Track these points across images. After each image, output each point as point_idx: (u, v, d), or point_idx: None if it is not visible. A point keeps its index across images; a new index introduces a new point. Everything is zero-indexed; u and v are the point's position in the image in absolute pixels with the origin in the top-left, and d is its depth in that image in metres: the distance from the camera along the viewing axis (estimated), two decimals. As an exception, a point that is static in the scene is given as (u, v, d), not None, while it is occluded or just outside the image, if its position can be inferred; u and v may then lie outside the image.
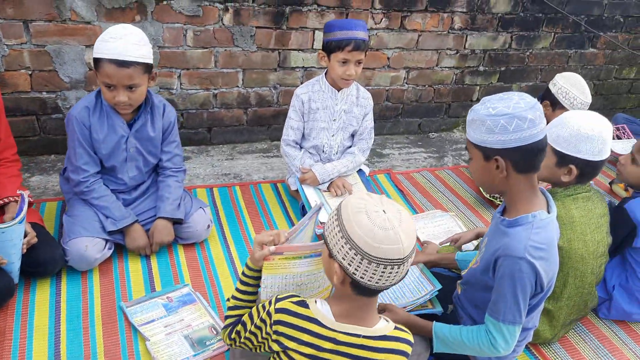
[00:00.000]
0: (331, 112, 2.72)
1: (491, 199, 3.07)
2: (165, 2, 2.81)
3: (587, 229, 2.02)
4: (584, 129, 1.95)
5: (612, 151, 3.78)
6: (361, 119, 2.79)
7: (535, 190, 1.70)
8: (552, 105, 2.95)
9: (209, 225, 2.46)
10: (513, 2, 3.60)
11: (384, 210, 1.33)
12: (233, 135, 3.38)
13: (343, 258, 1.32)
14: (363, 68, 3.44)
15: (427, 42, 3.53)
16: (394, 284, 1.35)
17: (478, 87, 3.90)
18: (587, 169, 2.00)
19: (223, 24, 2.98)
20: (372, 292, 1.37)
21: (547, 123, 1.62)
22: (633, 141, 3.88)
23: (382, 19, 3.33)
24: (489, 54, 3.77)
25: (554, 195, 2.08)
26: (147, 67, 2.15)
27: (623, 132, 3.91)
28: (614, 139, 3.87)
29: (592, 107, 4.52)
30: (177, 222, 2.38)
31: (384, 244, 1.28)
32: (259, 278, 1.58)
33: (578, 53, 4.07)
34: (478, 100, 3.95)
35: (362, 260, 1.29)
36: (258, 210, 2.78)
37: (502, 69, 3.89)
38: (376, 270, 1.30)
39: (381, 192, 3.10)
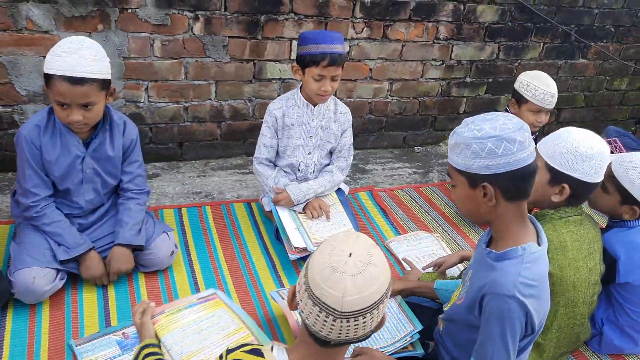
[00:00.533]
0: (307, 129, 2.55)
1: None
2: (130, 10, 2.63)
3: (579, 255, 1.87)
4: (583, 146, 1.80)
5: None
6: (339, 135, 2.62)
7: (525, 219, 1.54)
8: (517, 102, 2.87)
9: (172, 252, 2.28)
10: (500, 12, 3.46)
11: (350, 253, 1.16)
12: (206, 151, 3.20)
13: (300, 299, 1.20)
14: (344, 80, 3.29)
15: (411, 52, 3.38)
16: (355, 340, 1.18)
17: (465, 99, 3.75)
18: (580, 190, 1.86)
19: (193, 34, 2.81)
20: (328, 344, 1.20)
21: (519, 120, 1.47)
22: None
23: (363, 28, 3.17)
24: (476, 64, 3.62)
25: (544, 218, 1.93)
26: (104, 84, 1.98)
27: (615, 146, 3.76)
28: (605, 153, 3.72)
29: (583, 120, 4.44)
30: (137, 249, 2.19)
31: (326, 284, 1.14)
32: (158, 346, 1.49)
33: (568, 64, 3.93)
34: (465, 112, 3.80)
35: (308, 299, 1.17)
36: (229, 232, 2.60)
37: (490, 80, 3.74)
38: (319, 317, 1.15)
39: (362, 211, 2.93)
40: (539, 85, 2.77)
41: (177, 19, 2.73)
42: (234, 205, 2.81)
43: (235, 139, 3.23)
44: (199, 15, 2.77)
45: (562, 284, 1.83)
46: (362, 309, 1.15)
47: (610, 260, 2.05)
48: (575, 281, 1.85)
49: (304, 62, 2.35)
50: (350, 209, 2.70)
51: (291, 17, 2.96)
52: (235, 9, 2.82)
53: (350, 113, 2.64)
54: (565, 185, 1.83)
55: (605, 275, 2.06)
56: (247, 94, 3.10)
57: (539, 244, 1.54)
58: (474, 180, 1.47)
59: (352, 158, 2.70)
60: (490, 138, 1.40)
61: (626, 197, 2.05)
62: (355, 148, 3.57)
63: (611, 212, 2.14)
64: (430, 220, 2.92)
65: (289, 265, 2.41)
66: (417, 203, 3.08)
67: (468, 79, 3.66)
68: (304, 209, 2.54)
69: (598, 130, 4.22)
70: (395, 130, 3.66)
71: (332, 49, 2.31)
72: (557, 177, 1.84)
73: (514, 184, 1.45)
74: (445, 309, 1.80)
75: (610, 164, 2.06)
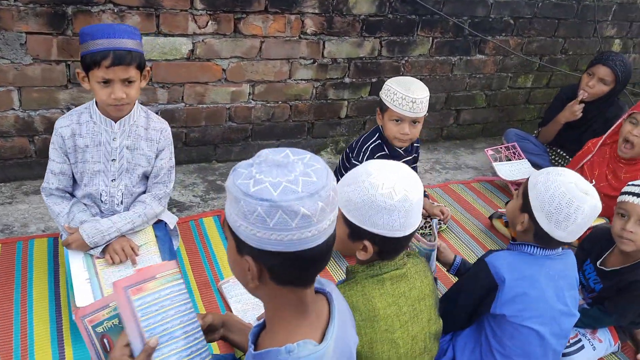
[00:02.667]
0: (107, 150, 2.04)
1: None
2: None
3: (395, 324, 1.46)
4: (382, 195, 1.36)
5: (497, 175, 3.30)
6: (154, 157, 2.12)
7: (305, 306, 1.11)
8: (381, 111, 2.44)
9: None
10: (378, 2, 3.01)
11: None
12: (17, 171, 2.64)
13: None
14: (191, 82, 2.78)
15: (272, 49, 2.89)
16: None
17: (346, 102, 3.29)
18: (387, 247, 1.44)
19: (-27, 30, 2.24)
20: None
21: (328, 177, 1.01)
22: (524, 162, 3.38)
23: (207, 22, 2.66)
24: (355, 63, 3.17)
25: (353, 276, 1.50)
26: None
27: (513, 153, 3.40)
28: (502, 160, 3.35)
29: (485, 122, 4.06)
30: None
31: None
32: None
33: (463, 60, 3.52)
34: (348, 117, 3.35)
35: None
36: (15, 277, 2.07)
37: (374, 80, 3.29)
38: None
39: (202, 243, 2.44)
40: (398, 89, 2.32)
41: (-55, 11, 2.16)
42: (33, 243, 2.27)
43: (56, 155, 2.67)
44: (-22, 7, 2.21)
45: (373, 363, 1.42)
46: None
47: (489, 285, 1.68)
48: (391, 356, 1.44)
49: (86, 64, 1.84)
50: (172, 246, 2.21)
51: (109, 9, 2.42)
52: (30, -2, 2.27)
53: (169, 128, 2.14)
54: (367, 244, 1.40)
55: (479, 305, 1.72)
56: (64, 101, 2.55)
57: (323, 338, 1.11)
58: (240, 245, 1.05)
59: (172, 183, 2.20)
60: (262, 201, 0.97)
61: (526, 204, 1.71)
62: (216, 161, 3.10)
63: (512, 220, 1.80)
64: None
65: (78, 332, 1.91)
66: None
67: (347, 80, 3.20)
68: (103, 252, 2.04)
69: (501, 132, 3.91)
70: (264, 139, 3.17)
71: (117, 44, 1.82)
72: (356, 232, 1.41)
73: (285, 269, 1.04)
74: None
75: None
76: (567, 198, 1.60)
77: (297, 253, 1.01)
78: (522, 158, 3.41)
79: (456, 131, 3.85)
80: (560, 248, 1.74)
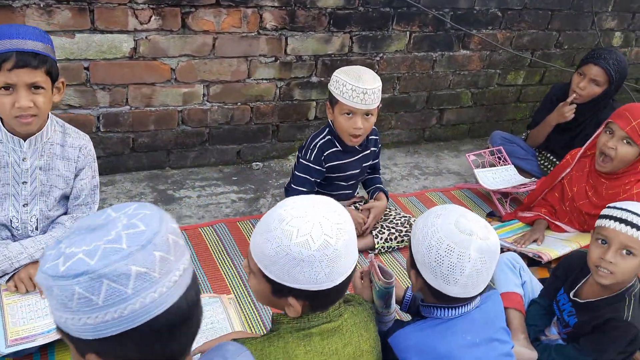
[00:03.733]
0: (16, 172, 1.80)
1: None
2: None
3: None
4: (297, 245, 1.13)
5: (479, 183, 3.03)
6: (72, 177, 1.88)
7: None
8: (331, 104, 2.21)
9: None
10: (346, -7, 2.73)
11: None
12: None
13: None
14: (136, 84, 2.53)
15: (227, 47, 2.63)
16: None
17: (315, 103, 3.02)
18: (317, 301, 1.21)
19: None
20: None
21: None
22: (509, 168, 3.11)
23: (151, 17, 2.40)
24: (323, 60, 2.89)
25: (277, 328, 1.26)
26: None
27: (499, 157, 3.12)
28: (485, 166, 3.08)
29: (472, 122, 3.74)
30: None
31: None
32: None
33: (446, 56, 3.23)
34: (317, 118, 3.08)
35: None
36: None
37: (345, 78, 3.02)
38: None
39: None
40: (347, 80, 2.10)
41: None
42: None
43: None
44: None
45: None
46: None
47: None
48: None
49: None
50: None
51: (34, 3, 2.17)
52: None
53: (91, 145, 1.90)
54: (292, 302, 1.16)
55: None
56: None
57: None
58: (78, 346, 0.84)
59: (97, 205, 1.96)
60: (78, 277, 0.76)
61: (412, 258, 1.42)
62: (170, 167, 2.86)
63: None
64: (232, 277, 2.21)
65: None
66: (224, 247, 2.36)
67: (314, 78, 2.93)
68: (8, 282, 1.81)
69: (489, 134, 3.62)
70: (224, 144, 2.92)
71: (21, 45, 1.59)
72: (277, 289, 1.18)
73: (143, 350, 0.83)
74: None
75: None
76: (446, 245, 1.28)
77: (149, 324, 0.78)
78: (508, 164, 3.13)
79: (440, 132, 3.57)
80: (478, 298, 1.40)
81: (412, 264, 1.41)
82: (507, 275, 2.11)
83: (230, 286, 2.15)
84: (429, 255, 1.32)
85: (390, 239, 2.43)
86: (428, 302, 1.42)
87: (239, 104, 2.82)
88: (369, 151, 2.40)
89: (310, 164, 2.27)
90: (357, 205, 2.53)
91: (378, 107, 2.19)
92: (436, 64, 3.23)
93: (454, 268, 1.28)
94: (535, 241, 2.40)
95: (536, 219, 2.53)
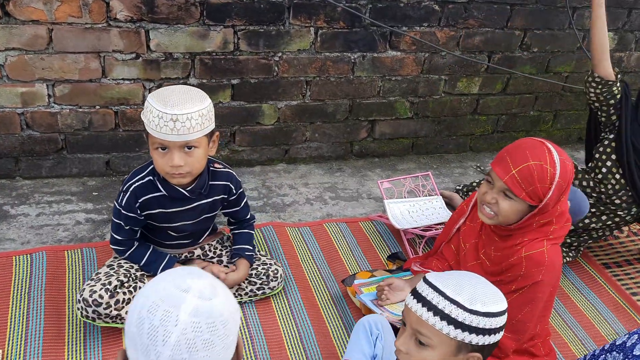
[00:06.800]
0: None
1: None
2: None
3: None
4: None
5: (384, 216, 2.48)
6: None
7: None
8: (147, 137, 1.71)
9: None
10: (218, -21, 2.24)
11: None
12: None
13: None
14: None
15: (68, 40, 2.21)
16: None
17: (198, 108, 2.56)
18: None
19: None
20: None
21: None
22: (435, 200, 2.56)
23: (-43, 2, 2.01)
24: (201, 59, 2.42)
25: None
26: None
27: (422, 186, 2.56)
28: (402, 196, 2.54)
29: (415, 135, 2.99)
30: None
31: None
32: None
33: (368, 58, 2.68)
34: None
35: None
36: None
37: (235, 81, 2.54)
38: None
39: None
40: (153, 105, 1.59)
41: None
42: None
43: None
44: None
45: None
46: None
47: None
48: None
49: None
50: None
51: None
52: None
53: None
54: None
55: None
56: None
57: None
58: None
59: None
60: None
61: None
62: (21, 177, 2.48)
63: None
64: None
65: None
66: (32, 281, 1.96)
67: (193, 80, 2.47)
68: None
69: (442, 149, 3.02)
70: (87, 152, 2.51)
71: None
72: None
73: None
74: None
75: None
76: (150, 303, 0.89)
77: None
78: (435, 194, 2.57)
79: (373, 147, 3.02)
80: None
81: None
82: (359, 340, 1.70)
83: (9, 340, 1.75)
84: (131, 318, 0.92)
85: (240, 295, 1.97)
86: None
87: (98, 107, 2.40)
88: (210, 200, 1.87)
89: (122, 211, 1.79)
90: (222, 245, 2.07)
91: (214, 135, 1.70)
92: (356, 67, 2.68)
93: (156, 334, 0.86)
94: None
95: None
